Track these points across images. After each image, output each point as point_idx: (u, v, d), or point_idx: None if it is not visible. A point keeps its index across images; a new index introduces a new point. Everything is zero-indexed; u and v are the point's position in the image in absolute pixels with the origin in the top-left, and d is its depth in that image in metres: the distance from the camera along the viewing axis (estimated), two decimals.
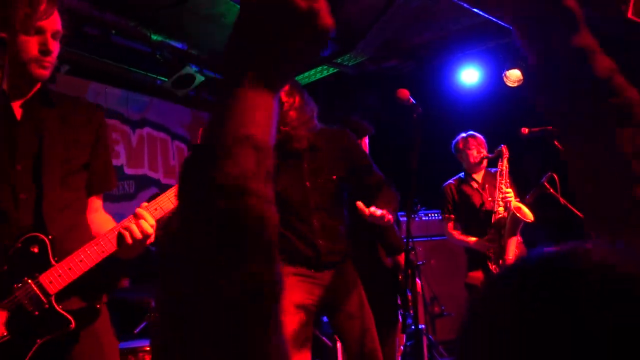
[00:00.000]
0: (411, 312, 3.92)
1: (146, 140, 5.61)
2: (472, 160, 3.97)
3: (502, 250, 3.66)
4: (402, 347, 3.77)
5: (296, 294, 2.47)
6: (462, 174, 4.08)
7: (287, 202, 2.50)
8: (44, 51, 1.61)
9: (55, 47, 1.65)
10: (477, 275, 3.79)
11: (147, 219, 1.65)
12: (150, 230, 1.65)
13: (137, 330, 3.57)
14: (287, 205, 2.51)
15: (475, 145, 3.98)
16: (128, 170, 5.34)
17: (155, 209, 1.68)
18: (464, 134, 4.09)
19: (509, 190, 3.77)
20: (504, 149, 3.87)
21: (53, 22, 1.64)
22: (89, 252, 1.63)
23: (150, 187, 5.54)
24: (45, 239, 1.59)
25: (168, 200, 1.69)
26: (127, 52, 4.85)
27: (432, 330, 5.35)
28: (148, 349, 3.40)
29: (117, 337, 1.84)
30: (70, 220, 1.72)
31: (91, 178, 1.81)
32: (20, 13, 1.55)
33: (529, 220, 3.61)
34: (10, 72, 1.58)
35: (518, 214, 3.59)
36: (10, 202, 1.57)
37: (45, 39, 1.61)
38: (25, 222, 1.59)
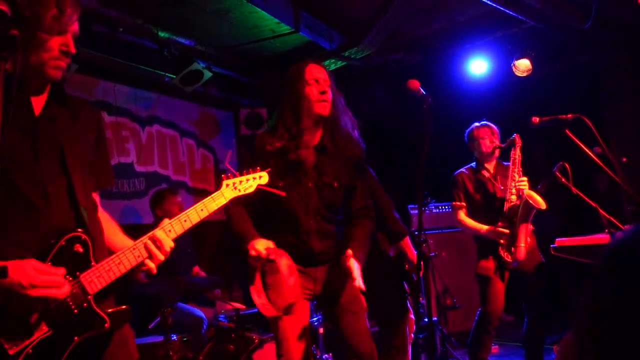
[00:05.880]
0: (421, 299, 3.90)
1: (155, 138, 5.63)
2: (484, 149, 3.98)
3: (513, 238, 3.65)
4: (412, 335, 3.77)
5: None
6: (473, 163, 4.08)
7: (288, 201, 2.53)
8: (65, 52, 1.62)
9: (74, 48, 1.66)
10: (488, 265, 3.78)
11: (165, 240, 1.76)
12: (169, 246, 1.76)
13: (151, 325, 3.59)
14: (287, 204, 2.54)
15: (488, 135, 3.99)
16: (139, 168, 5.37)
17: (169, 231, 1.78)
18: (477, 123, 4.09)
19: (524, 178, 3.77)
20: (516, 137, 3.87)
21: (75, 24, 1.66)
22: (126, 255, 1.70)
23: (160, 184, 5.57)
24: (88, 239, 1.63)
25: (179, 223, 1.80)
26: (135, 49, 4.86)
27: (444, 322, 5.34)
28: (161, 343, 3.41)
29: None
30: (94, 216, 1.78)
31: (93, 175, 1.84)
32: (49, 14, 1.55)
33: (542, 208, 3.60)
34: (25, 71, 1.59)
35: (530, 201, 3.58)
36: (40, 195, 1.59)
37: (67, 40, 1.62)
38: (56, 215, 1.61)
